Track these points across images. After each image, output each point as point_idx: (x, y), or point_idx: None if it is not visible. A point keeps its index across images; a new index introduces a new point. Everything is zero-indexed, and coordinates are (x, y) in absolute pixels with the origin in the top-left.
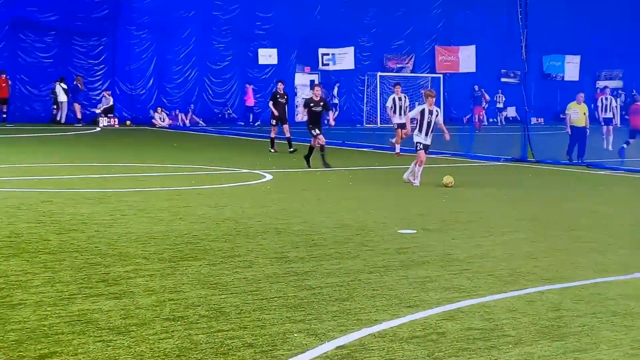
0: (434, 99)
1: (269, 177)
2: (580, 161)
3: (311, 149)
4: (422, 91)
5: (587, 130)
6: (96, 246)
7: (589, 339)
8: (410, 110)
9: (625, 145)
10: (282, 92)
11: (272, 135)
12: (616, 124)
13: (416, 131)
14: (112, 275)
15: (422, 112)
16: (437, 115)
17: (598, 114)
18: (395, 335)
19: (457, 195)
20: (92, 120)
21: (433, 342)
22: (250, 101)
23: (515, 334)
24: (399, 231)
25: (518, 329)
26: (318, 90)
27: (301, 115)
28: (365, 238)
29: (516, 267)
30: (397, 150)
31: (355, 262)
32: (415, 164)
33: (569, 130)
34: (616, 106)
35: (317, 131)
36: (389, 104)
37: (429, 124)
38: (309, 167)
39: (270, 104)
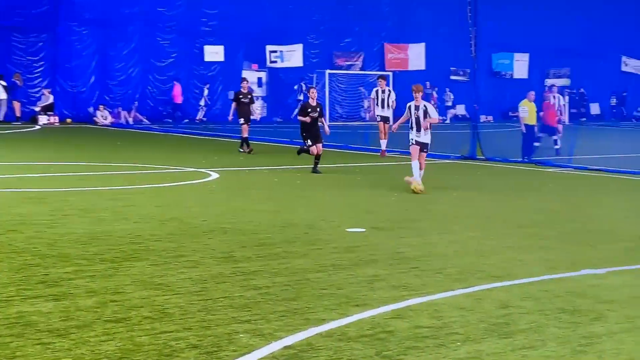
0: (421, 94)
1: (215, 175)
2: (528, 159)
3: (306, 151)
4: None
5: (536, 128)
6: (35, 247)
7: (537, 335)
8: (395, 105)
9: (537, 144)
10: (245, 91)
11: (244, 135)
12: (564, 122)
13: (410, 130)
14: (52, 277)
15: (409, 108)
16: (424, 110)
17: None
18: (343, 334)
19: (406, 194)
20: (31, 118)
21: (381, 340)
22: (179, 98)
23: (464, 331)
24: (347, 230)
25: (466, 327)
26: (314, 93)
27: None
28: (313, 237)
29: (465, 265)
30: (383, 148)
31: (303, 261)
32: (415, 159)
33: (523, 128)
34: (564, 104)
35: (310, 142)
36: (373, 95)
37: (417, 119)
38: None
39: (234, 104)
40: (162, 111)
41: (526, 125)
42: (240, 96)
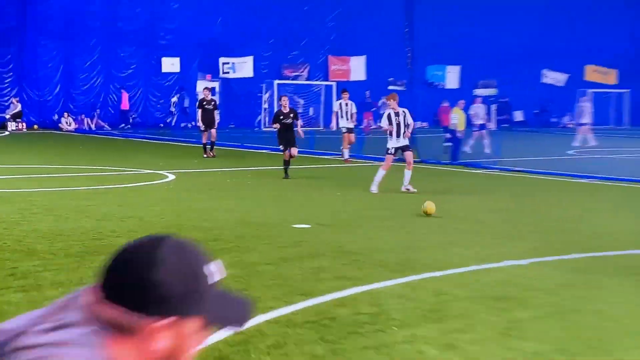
0: (397, 101)
1: (171, 177)
2: (458, 161)
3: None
4: (384, 98)
5: (463, 133)
6: (4, 242)
7: (467, 320)
8: (356, 116)
9: (449, 144)
10: (208, 98)
11: (204, 141)
12: (490, 128)
13: (389, 138)
14: (20, 270)
15: (389, 116)
16: (404, 116)
17: (472, 120)
18: (289, 321)
19: (350, 193)
20: (0, 125)
21: (324, 326)
22: (125, 105)
23: (400, 317)
24: (293, 226)
25: (403, 313)
26: (286, 101)
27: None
28: (262, 233)
29: (403, 257)
30: (346, 157)
31: (253, 255)
32: (384, 169)
33: (459, 134)
34: (487, 113)
35: (283, 147)
36: (336, 108)
37: (398, 125)
38: (287, 177)
39: (199, 111)
40: (124, 118)
41: (455, 131)
42: (204, 103)
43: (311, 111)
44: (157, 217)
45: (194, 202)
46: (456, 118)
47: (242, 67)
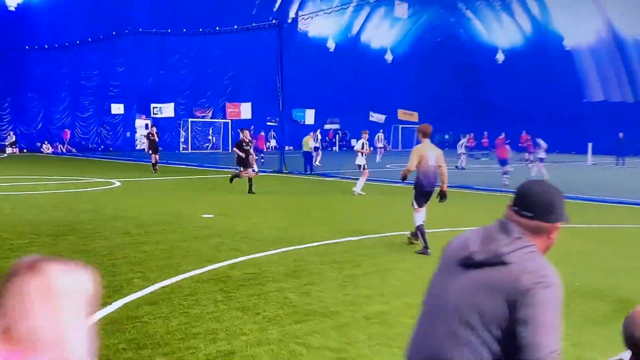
0: (367, 135)
1: (118, 184)
2: (312, 172)
3: (237, 176)
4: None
5: (313, 154)
6: (3, 227)
7: (318, 277)
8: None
9: (317, 163)
10: (154, 132)
11: (153, 161)
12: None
13: (359, 157)
14: (15, 245)
15: (364, 144)
16: (363, 143)
17: (316, 145)
18: (199, 279)
19: (240, 193)
20: (3, 149)
21: (223, 282)
22: (67, 135)
23: (272, 276)
24: (202, 215)
25: (274, 273)
26: (247, 133)
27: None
28: (181, 220)
29: (273, 236)
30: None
31: (174, 235)
32: (363, 178)
33: (314, 154)
34: (320, 139)
35: (242, 169)
36: (358, 146)
37: (362, 148)
38: (232, 182)
39: (146, 140)
40: (87, 143)
41: (306, 152)
42: (150, 135)
43: (214, 139)
44: (107, 210)
45: (132, 200)
46: (307, 143)
47: (166, 110)
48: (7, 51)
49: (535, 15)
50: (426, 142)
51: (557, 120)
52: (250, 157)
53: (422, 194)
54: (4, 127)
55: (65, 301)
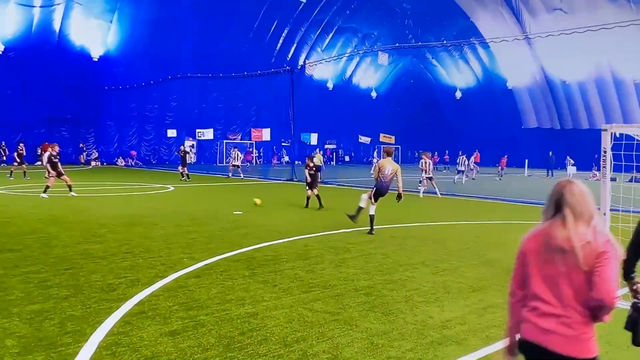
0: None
1: (172, 188)
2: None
3: (308, 198)
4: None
5: (323, 167)
6: (89, 219)
7: (319, 259)
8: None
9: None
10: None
11: (180, 170)
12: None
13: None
14: (98, 233)
15: (424, 163)
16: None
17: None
18: (231, 259)
19: (261, 195)
20: (87, 163)
21: (249, 261)
22: (135, 153)
23: (286, 257)
24: (234, 212)
25: (288, 255)
26: (313, 158)
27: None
28: (217, 215)
29: (287, 228)
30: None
31: (213, 226)
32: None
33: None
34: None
35: (308, 187)
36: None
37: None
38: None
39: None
40: (150, 158)
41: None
42: (183, 153)
43: (241, 156)
44: (165, 207)
45: (183, 200)
46: (318, 159)
47: (207, 134)
48: (91, 90)
49: (484, 62)
50: (388, 159)
51: (501, 142)
52: (315, 177)
53: (378, 193)
54: (90, 147)
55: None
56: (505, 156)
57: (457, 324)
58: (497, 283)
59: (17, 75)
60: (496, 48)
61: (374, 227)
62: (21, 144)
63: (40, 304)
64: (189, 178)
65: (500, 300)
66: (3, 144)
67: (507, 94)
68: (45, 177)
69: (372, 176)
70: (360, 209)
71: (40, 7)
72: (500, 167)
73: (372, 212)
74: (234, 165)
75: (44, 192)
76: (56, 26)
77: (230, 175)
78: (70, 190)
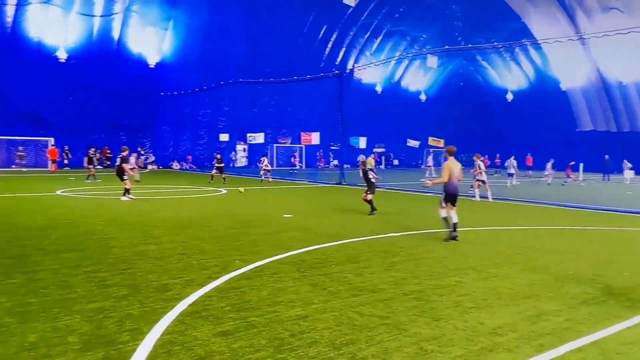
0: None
1: (224, 191)
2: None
3: (368, 201)
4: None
5: (374, 170)
6: (144, 221)
7: (367, 262)
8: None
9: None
10: (218, 157)
11: (212, 173)
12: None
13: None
14: (153, 234)
15: (478, 166)
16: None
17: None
18: (281, 261)
19: (309, 197)
20: (145, 167)
21: (298, 264)
22: (189, 157)
23: (336, 260)
24: (283, 215)
25: (339, 258)
26: (370, 158)
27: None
28: (267, 218)
29: (333, 232)
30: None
31: (263, 229)
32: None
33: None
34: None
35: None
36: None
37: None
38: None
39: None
40: (204, 162)
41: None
42: (216, 161)
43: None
44: (215, 210)
45: (233, 204)
46: (370, 162)
47: (258, 138)
48: (147, 96)
49: (537, 63)
50: (451, 158)
51: (555, 145)
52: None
53: (452, 197)
54: (147, 151)
55: None
56: (572, 162)
57: (508, 330)
58: (549, 290)
59: (79, 82)
60: (549, 49)
61: (457, 230)
62: (92, 149)
63: (100, 302)
64: (222, 180)
65: (553, 308)
66: (66, 148)
67: (561, 95)
68: (136, 180)
69: (436, 181)
70: (445, 220)
71: (100, 16)
72: (566, 174)
73: (455, 219)
74: (265, 170)
75: (125, 195)
76: (115, 34)
77: (262, 180)
78: (125, 194)
